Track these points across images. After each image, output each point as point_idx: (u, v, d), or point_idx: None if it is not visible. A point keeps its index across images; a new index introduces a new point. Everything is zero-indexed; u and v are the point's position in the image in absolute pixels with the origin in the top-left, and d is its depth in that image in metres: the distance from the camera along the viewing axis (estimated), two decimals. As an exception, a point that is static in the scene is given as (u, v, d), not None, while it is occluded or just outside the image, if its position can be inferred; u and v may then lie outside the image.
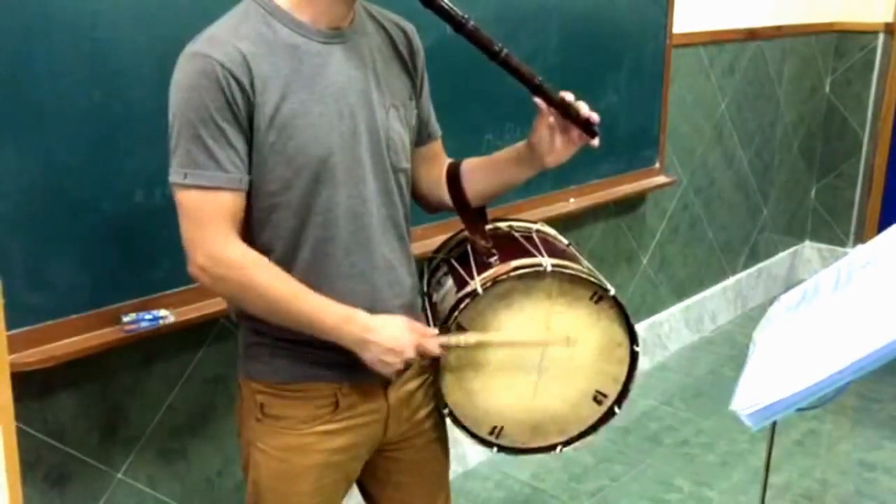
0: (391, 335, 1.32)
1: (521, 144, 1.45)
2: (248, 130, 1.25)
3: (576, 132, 1.39)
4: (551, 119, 1.37)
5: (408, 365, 1.37)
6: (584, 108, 1.37)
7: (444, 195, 1.52)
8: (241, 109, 1.23)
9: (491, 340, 1.40)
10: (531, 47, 2.54)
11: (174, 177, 1.25)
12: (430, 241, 1.87)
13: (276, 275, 1.28)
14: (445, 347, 1.37)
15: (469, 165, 1.52)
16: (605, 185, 2.96)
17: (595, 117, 1.38)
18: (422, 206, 1.57)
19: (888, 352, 1.23)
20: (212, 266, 1.25)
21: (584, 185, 2.86)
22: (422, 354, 1.35)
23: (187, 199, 1.25)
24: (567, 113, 1.36)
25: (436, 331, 1.38)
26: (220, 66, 1.20)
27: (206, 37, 1.24)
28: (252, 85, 1.22)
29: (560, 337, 1.43)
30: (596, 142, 1.40)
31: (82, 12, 1.57)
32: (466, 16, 1.29)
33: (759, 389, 1.35)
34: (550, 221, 1.73)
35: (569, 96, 1.36)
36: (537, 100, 1.36)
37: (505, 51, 1.32)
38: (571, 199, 2.81)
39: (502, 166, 1.49)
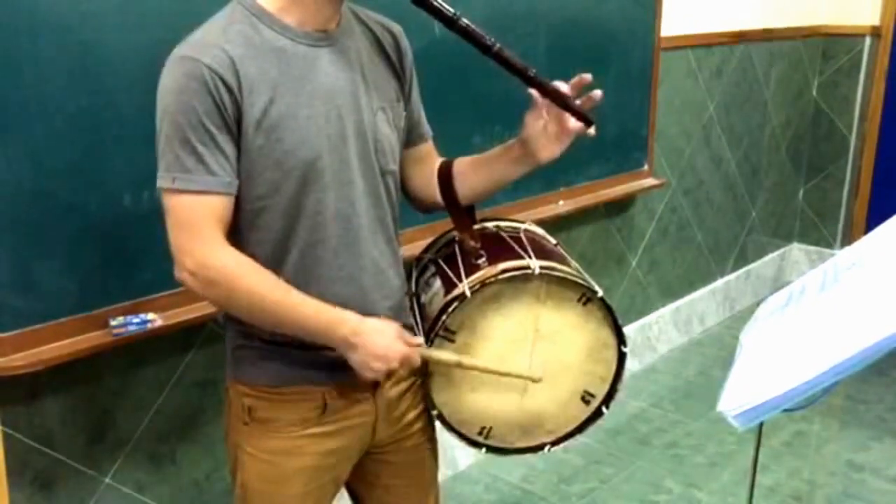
0: (380, 342, 1.31)
1: (513, 142, 1.45)
2: (237, 133, 1.24)
3: (570, 122, 1.39)
4: (544, 112, 1.38)
5: (391, 373, 1.36)
6: (587, 76, 1.37)
7: (437, 195, 1.52)
8: (229, 113, 1.22)
9: (473, 364, 1.41)
10: (520, 51, 2.48)
11: (163, 182, 1.24)
12: (419, 243, 1.87)
13: (266, 278, 1.27)
14: (427, 360, 1.38)
15: (461, 164, 1.52)
16: (594, 187, 2.97)
17: (597, 94, 1.37)
18: (415, 206, 1.57)
19: (873, 352, 1.23)
20: (201, 271, 1.24)
21: (573, 188, 2.87)
22: (407, 366, 1.36)
23: (176, 204, 1.24)
24: (563, 102, 1.37)
25: (421, 340, 1.38)
26: (209, 70, 1.20)
27: (193, 40, 1.24)
28: (240, 88, 1.22)
29: (537, 373, 1.45)
30: (592, 130, 1.40)
31: (69, 14, 1.57)
32: (457, 13, 1.30)
33: (745, 390, 1.36)
34: (540, 223, 1.74)
35: (563, 86, 1.37)
36: (532, 91, 1.36)
37: (497, 45, 1.32)
38: (561, 202, 2.82)
39: (494, 164, 1.48)
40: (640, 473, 2.83)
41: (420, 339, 1.37)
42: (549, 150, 1.41)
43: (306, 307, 1.29)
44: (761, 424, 1.57)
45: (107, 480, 1.86)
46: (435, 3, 1.28)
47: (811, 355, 1.31)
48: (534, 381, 1.45)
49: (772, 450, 2.92)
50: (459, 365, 1.40)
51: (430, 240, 1.66)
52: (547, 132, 1.39)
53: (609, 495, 2.70)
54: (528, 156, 1.42)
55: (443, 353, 1.39)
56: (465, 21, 1.30)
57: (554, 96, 1.36)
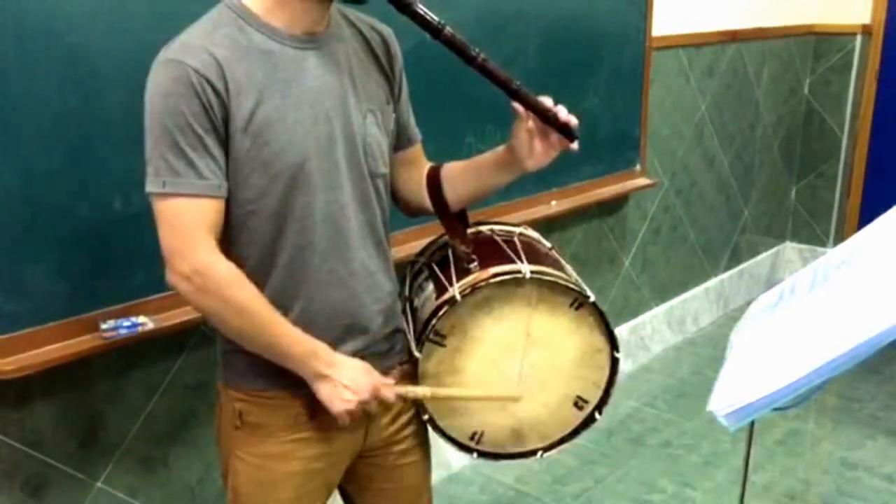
0: (350, 375, 1.32)
1: (501, 148, 1.45)
2: (225, 136, 1.24)
3: (555, 136, 1.38)
4: (530, 123, 1.37)
5: (363, 410, 1.36)
6: (562, 112, 1.36)
7: (425, 200, 1.52)
8: (217, 115, 1.22)
9: (448, 395, 1.42)
10: (511, 51, 2.54)
11: (152, 186, 1.23)
12: (410, 245, 1.87)
13: (255, 296, 1.27)
14: (401, 397, 1.40)
15: (449, 170, 1.51)
16: (586, 187, 2.97)
17: (573, 121, 1.38)
18: (402, 210, 1.57)
19: (862, 351, 1.23)
20: (195, 277, 1.23)
21: (565, 188, 2.87)
22: (377, 399, 1.36)
23: (167, 208, 1.23)
24: (545, 117, 1.36)
25: (392, 381, 1.39)
26: (195, 73, 1.19)
27: (179, 43, 1.23)
28: (227, 90, 1.22)
29: (516, 394, 1.45)
30: (575, 145, 1.40)
31: (57, 17, 1.56)
32: (442, 22, 1.29)
33: (735, 390, 1.36)
34: (532, 224, 1.74)
35: (547, 101, 1.36)
36: (515, 104, 1.36)
37: (482, 56, 1.31)
38: (553, 202, 2.82)
39: (483, 170, 1.48)
40: (635, 473, 2.83)
41: (391, 381, 1.39)
42: (534, 160, 1.40)
43: (287, 333, 1.29)
44: (753, 423, 1.57)
45: (98, 485, 1.86)
46: (420, 12, 1.27)
47: (800, 354, 1.31)
48: (514, 400, 1.45)
49: (765, 448, 2.93)
50: (434, 396, 1.41)
51: (421, 243, 1.65)
52: (532, 143, 1.38)
53: (603, 495, 2.70)
54: (515, 163, 1.42)
55: (417, 389, 1.40)
56: (450, 30, 1.29)
57: (537, 110, 1.35)
